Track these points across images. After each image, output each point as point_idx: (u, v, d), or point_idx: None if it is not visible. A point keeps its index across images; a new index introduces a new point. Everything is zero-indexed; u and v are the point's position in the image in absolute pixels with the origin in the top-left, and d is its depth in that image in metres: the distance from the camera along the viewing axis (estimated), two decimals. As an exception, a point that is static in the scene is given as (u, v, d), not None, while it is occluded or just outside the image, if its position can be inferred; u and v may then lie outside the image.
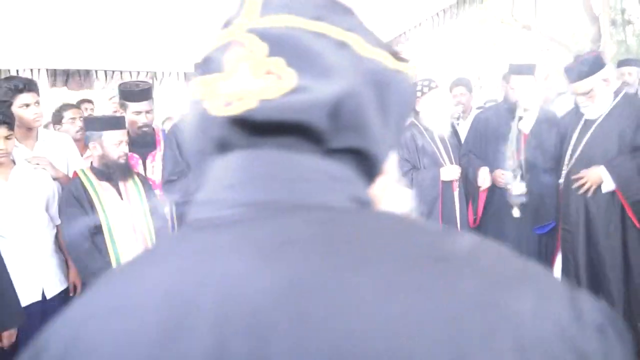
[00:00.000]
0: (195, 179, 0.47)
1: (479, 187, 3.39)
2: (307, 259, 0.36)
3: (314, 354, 0.32)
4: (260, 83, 0.40)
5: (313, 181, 0.41)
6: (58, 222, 2.74)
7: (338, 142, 0.41)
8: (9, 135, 2.49)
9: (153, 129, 3.15)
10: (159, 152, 3.09)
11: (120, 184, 2.69)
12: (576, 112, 3.08)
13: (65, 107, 3.58)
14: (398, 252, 0.36)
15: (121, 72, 4.20)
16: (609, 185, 2.81)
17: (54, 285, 2.65)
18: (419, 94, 3.38)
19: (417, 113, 3.46)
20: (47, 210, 2.68)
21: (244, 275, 0.36)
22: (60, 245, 2.77)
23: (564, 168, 3.04)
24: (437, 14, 4.56)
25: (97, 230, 2.59)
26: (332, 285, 0.34)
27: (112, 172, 2.66)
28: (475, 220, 3.48)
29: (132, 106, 3.00)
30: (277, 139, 0.40)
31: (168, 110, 4.48)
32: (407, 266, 0.35)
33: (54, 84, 4.25)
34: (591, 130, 2.91)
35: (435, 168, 3.31)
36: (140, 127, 3.02)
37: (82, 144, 3.45)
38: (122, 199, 2.67)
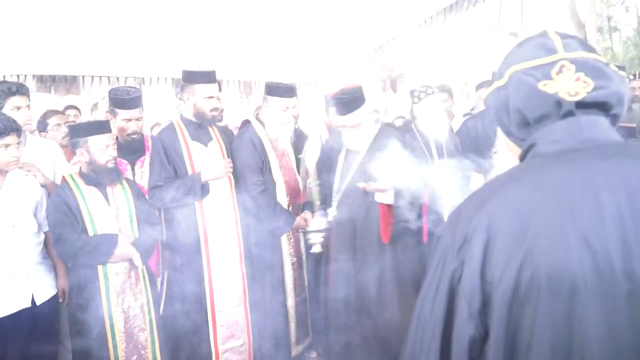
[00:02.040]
0: (532, 131, 0.92)
1: None
2: (627, 162, 0.82)
3: None
4: (576, 85, 0.88)
5: (606, 129, 0.88)
6: (46, 228, 2.72)
7: (613, 111, 0.90)
8: (18, 143, 2.52)
9: (142, 135, 3.14)
10: (147, 158, 3.08)
11: (108, 189, 2.67)
12: (338, 141, 3.04)
13: (50, 113, 3.54)
14: None
15: (108, 78, 4.18)
16: (385, 198, 2.88)
17: (43, 291, 2.63)
18: (416, 99, 3.40)
19: (414, 118, 3.47)
20: (35, 216, 2.66)
21: (605, 170, 0.81)
22: (48, 251, 2.75)
23: (334, 199, 3.01)
24: (425, 21, 4.60)
25: (84, 234, 2.58)
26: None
27: (100, 178, 2.64)
28: None
29: (122, 113, 2.98)
30: (590, 110, 0.88)
31: (156, 115, 4.45)
32: None
33: (40, 90, 4.22)
34: (357, 162, 2.91)
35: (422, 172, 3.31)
36: (129, 134, 3.01)
37: (69, 150, 3.43)
38: (109, 204, 2.66)
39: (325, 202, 3.15)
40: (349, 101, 2.84)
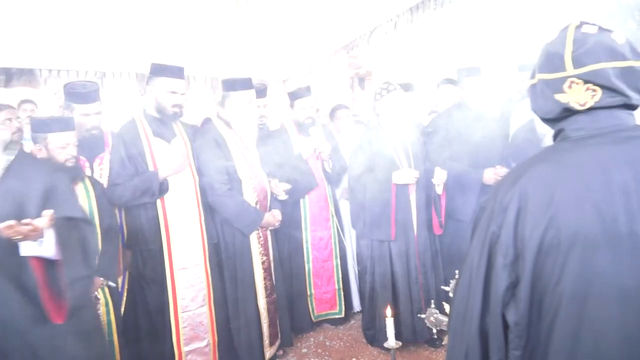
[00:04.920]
0: (554, 126, 1.16)
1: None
2: (634, 144, 1.02)
3: None
4: (585, 95, 1.05)
5: (623, 117, 1.07)
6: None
7: (630, 102, 1.06)
8: None
9: (101, 130, 3.04)
10: (107, 155, 2.98)
11: (69, 188, 2.58)
12: None
13: None
14: None
15: (68, 72, 4.03)
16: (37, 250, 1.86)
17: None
18: (378, 96, 3.41)
19: (376, 115, 3.48)
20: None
21: (615, 153, 1.01)
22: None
23: None
24: (392, 19, 4.62)
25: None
26: None
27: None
28: (440, 224, 3.44)
29: (80, 108, 2.88)
30: (606, 108, 1.07)
31: (117, 111, 4.30)
32: None
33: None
34: None
35: (389, 171, 3.33)
36: (88, 130, 2.91)
37: (19, 147, 3.29)
38: (68, 203, 2.57)
39: None
40: None
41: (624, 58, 1.05)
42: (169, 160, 2.88)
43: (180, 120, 3.07)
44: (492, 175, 3.32)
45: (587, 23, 1.11)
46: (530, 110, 1.22)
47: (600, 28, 1.09)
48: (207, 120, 3.23)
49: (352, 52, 5.22)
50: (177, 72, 2.91)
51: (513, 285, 1.03)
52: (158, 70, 2.90)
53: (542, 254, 1.00)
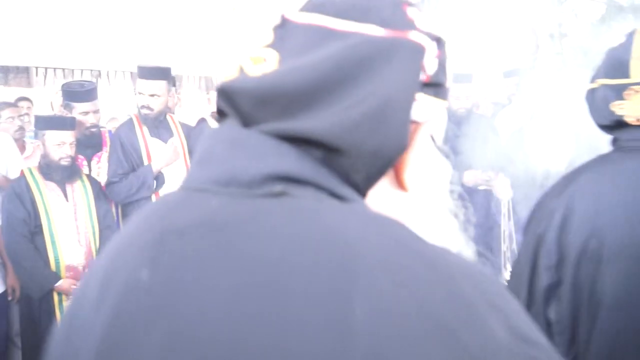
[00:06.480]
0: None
1: None
2: None
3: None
4: None
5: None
6: (-5, 224, 2.65)
7: None
8: None
9: (99, 129, 3.09)
10: (105, 154, 3.03)
11: (67, 185, 2.64)
12: None
13: (2, 106, 3.43)
14: None
15: (63, 70, 4.07)
16: None
17: (-11, 288, 2.54)
18: None
19: None
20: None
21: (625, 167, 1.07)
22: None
23: None
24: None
25: (38, 230, 2.54)
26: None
27: (56, 173, 2.61)
28: None
29: (79, 107, 2.92)
30: None
31: (113, 110, 4.33)
32: None
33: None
34: None
35: None
36: (88, 128, 2.96)
37: (21, 144, 3.35)
38: (67, 200, 2.63)
39: None
40: None
41: None
42: (161, 152, 2.93)
43: (177, 120, 3.12)
44: (472, 177, 3.37)
45: None
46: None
47: None
48: (202, 121, 3.27)
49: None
50: (145, 73, 2.92)
51: (555, 286, 1.08)
52: (139, 72, 2.95)
53: (584, 262, 1.03)
